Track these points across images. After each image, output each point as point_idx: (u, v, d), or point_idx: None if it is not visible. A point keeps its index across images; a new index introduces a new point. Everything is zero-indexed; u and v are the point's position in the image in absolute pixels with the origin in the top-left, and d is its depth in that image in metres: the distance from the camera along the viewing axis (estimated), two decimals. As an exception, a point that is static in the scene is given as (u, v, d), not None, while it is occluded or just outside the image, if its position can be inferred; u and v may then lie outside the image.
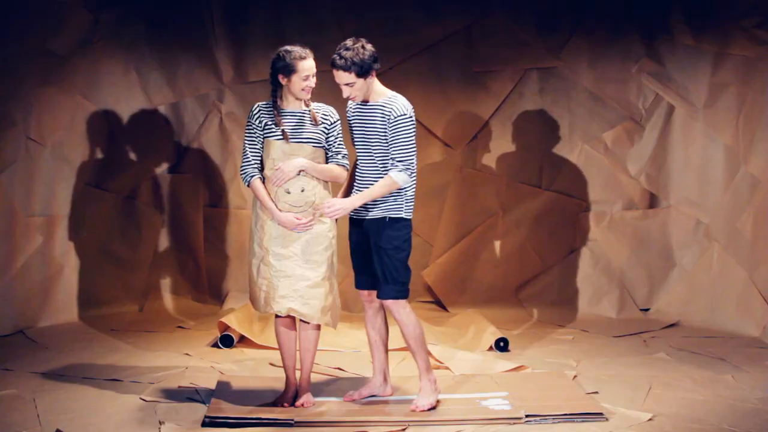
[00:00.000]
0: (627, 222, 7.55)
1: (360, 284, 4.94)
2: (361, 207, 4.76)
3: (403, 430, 4.57)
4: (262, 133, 4.77)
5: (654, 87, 7.44)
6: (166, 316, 7.21)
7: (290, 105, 4.81)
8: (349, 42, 4.69)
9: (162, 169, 7.57)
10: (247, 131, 4.80)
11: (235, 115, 7.57)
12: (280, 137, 4.73)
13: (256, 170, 4.80)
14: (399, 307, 4.76)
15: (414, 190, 4.83)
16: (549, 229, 7.59)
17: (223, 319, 6.28)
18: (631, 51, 7.45)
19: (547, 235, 7.59)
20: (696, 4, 7.21)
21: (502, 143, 7.63)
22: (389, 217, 4.74)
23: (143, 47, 7.42)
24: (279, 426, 4.59)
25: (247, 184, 4.82)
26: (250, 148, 4.79)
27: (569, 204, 7.58)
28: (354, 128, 4.84)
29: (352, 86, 4.66)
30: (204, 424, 4.58)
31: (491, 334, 6.25)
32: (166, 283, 7.55)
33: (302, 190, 4.72)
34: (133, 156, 7.45)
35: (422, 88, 7.54)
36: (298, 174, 4.72)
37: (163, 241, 7.57)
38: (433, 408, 4.77)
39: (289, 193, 4.71)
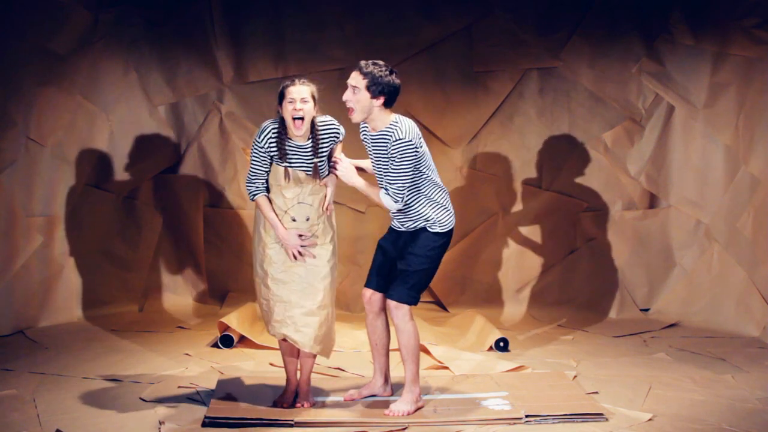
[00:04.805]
0: (627, 222, 7.55)
1: (369, 283, 4.92)
2: (401, 220, 4.80)
3: (403, 429, 4.57)
4: (269, 156, 4.74)
5: (654, 87, 7.44)
6: (166, 316, 7.21)
7: (296, 138, 4.74)
8: (381, 62, 4.69)
9: (162, 169, 7.57)
10: (255, 151, 4.75)
11: (235, 115, 7.57)
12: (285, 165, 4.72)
13: (263, 189, 4.78)
14: (401, 312, 4.74)
15: (450, 207, 4.86)
16: (549, 229, 7.59)
17: (223, 319, 6.28)
18: (631, 51, 7.45)
19: (547, 235, 7.59)
20: (696, 4, 7.21)
21: (502, 143, 7.64)
22: (428, 228, 4.78)
23: (143, 47, 7.43)
24: (279, 426, 4.59)
25: (251, 199, 4.81)
26: (257, 167, 4.75)
27: (569, 204, 7.58)
28: (370, 155, 4.84)
29: (355, 92, 4.61)
30: (204, 425, 4.58)
31: (491, 334, 6.25)
32: (166, 283, 7.55)
33: (307, 219, 4.73)
34: (133, 156, 7.44)
35: (422, 88, 7.55)
36: (303, 203, 4.72)
37: (163, 241, 7.56)
38: (409, 415, 4.73)
39: (294, 221, 4.72)
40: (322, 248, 4.77)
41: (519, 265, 7.58)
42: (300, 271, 4.74)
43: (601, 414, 4.71)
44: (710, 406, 4.93)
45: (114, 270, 7.36)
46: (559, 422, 4.65)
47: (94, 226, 7.27)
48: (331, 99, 7.53)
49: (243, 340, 6.26)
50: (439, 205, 4.80)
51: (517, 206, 7.61)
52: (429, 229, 4.79)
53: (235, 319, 6.32)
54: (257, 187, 4.77)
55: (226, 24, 7.48)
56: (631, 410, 4.81)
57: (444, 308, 7.53)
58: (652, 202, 7.60)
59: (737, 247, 6.97)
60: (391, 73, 4.64)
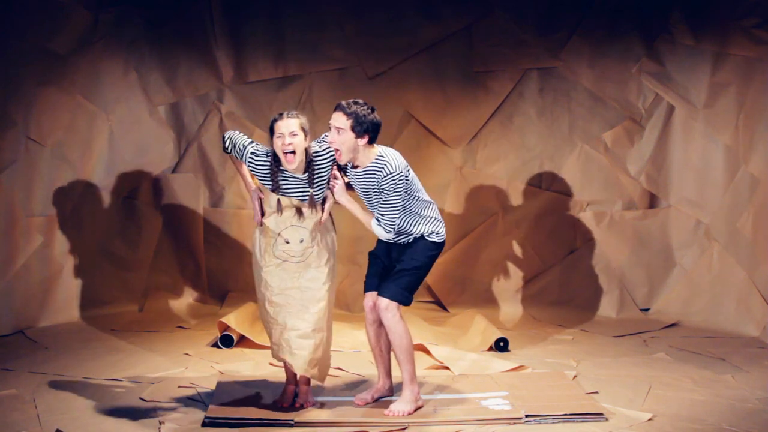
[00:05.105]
0: (627, 222, 7.55)
1: (371, 287, 4.90)
2: (397, 238, 4.82)
3: (403, 429, 4.57)
4: (249, 165, 4.73)
5: (654, 87, 7.44)
6: (166, 316, 7.21)
7: (291, 170, 4.72)
8: (361, 101, 4.68)
9: (162, 169, 7.57)
10: (242, 151, 4.73)
11: (235, 115, 7.57)
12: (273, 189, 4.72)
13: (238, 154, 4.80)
14: (390, 312, 4.73)
15: (441, 218, 4.89)
16: (549, 229, 7.59)
17: (223, 319, 6.28)
18: (631, 51, 7.45)
19: (547, 235, 7.59)
20: (696, 4, 7.21)
21: (502, 143, 7.64)
22: (424, 235, 4.81)
23: (143, 47, 7.43)
24: (279, 426, 4.59)
25: (225, 149, 4.79)
26: (238, 145, 4.75)
27: (569, 204, 7.59)
28: (357, 190, 4.85)
29: (339, 133, 4.61)
30: (204, 425, 4.58)
31: (491, 334, 6.25)
32: (166, 283, 7.54)
33: (301, 241, 4.72)
34: (133, 156, 7.44)
35: (422, 88, 7.55)
36: (297, 226, 4.71)
37: (163, 241, 7.56)
38: (409, 415, 4.74)
39: (288, 243, 4.71)
40: (317, 271, 4.75)
41: (519, 265, 7.58)
42: (295, 294, 4.73)
43: (601, 414, 4.71)
44: (710, 406, 4.93)
45: (114, 270, 7.36)
46: (559, 422, 4.65)
47: (94, 226, 7.27)
48: (330, 99, 7.57)
49: (243, 340, 6.26)
50: (433, 219, 4.86)
51: (517, 206, 7.61)
52: (426, 238, 4.83)
53: (235, 319, 6.32)
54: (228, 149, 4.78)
55: (226, 24, 7.48)
56: (631, 410, 4.81)
57: (444, 308, 7.53)
58: (652, 202, 7.60)
59: (737, 247, 6.97)
60: (372, 111, 4.65)
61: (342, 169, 4.83)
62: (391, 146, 7.40)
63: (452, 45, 7.54)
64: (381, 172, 4.63)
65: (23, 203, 6.75)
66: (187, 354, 6.02)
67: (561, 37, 7.52)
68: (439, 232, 4.86)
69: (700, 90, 7.26)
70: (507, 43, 7.51)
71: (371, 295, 4.87)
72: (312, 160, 4.70)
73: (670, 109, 7.44)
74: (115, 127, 7.37)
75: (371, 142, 4.67)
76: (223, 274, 7.61)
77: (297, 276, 4.74)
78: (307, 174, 4.69)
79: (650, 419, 4.68)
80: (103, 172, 7.34)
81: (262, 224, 4.76)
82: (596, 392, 5.14)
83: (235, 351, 6.12)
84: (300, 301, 4.72)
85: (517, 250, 7.60)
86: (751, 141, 6.90)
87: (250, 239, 7.51)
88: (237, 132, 4.84)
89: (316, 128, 7.34)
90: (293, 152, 4.62)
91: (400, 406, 4.74)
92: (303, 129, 4.66)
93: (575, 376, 5.47)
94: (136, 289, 7.41)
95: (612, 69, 7.50)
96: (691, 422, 4.64)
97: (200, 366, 5.72)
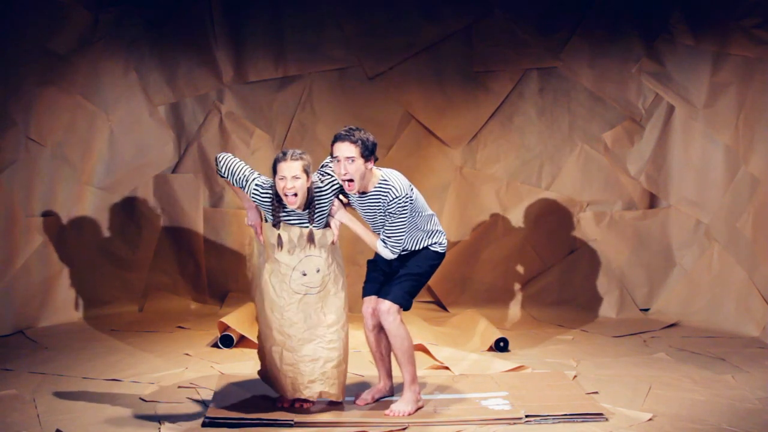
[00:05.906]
0: (627, 222, 7.55)
1: (371, 291, 4.91)
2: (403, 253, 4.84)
3: (403, 429, 4.57)
4: (253, 197, 4.69)
5: (654, 87, 7.45)
6: (166, 316, 7.21)
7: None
8: (354, 126, 4.67)
9: (162, 169, 7.57)
10: (246, 176, 4.67)
11: (235, 115, 7.58)
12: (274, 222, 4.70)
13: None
14: (391, 316, 4.73)
15: (444, 233, 4.91)
16: (549, 229, 7.59)
17: (223, 319, 6.28)
18: (631, 51, 7.46)
19: (547, 235, 7.59)
20: (696, 4, 7.21)
21: (502, 143, 7.64)
22: (427, 246, 4.83)
23: (143, 47, 7.43)
24: (279, 426, 4.59)
25: (220, 174, 4.73)
26: (238, 174, 4.69)
27: (569, 204, 7.59)
28: (361, 214, 4.85)
29: (352, 162, 4.58)
30: (204, 425, 4.58)
31: (491, 334, 6.25)
32: (166, 283, 7.54)
33: (317, 271, 4.71)
34: (133, 156, 7.44)
35: (422, 88, 7.55)
36: (311, 255, 4.70)
37: (163, 241, 7.56)
38: (409, 415, 4.75)
39: (305, 275, 4.69)
40: (336, 297, 4.75)
41: (519, 265, 7.59)
42: (321, 329, 4.72)
43: (601, 414, 4.70)
44: (710, 406, 4.93)
45: (114, 270, 7.36)
46: (559, 422, 4.65)
47: (94, 226, 7.28)
48: (330, 99, 7.58)
49: (243, 340, 6.26)
50: (436, 231, 4.88)
51: (517, 206, 7.61)
52: (430, 248, 4.86)
53: (235, 319, 6.32)
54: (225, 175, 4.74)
55: (226, 24, 7.48)
56: (631, 410, 4.81)
57: (444, 308, 7.53)
58: (652, 202, 7.61)
59: (737, 247, 6.98)
60: (367, 132, 4.65)
61: (344, 195, 4.81)
62: (391, 146, 7.52)
63: (452, 45, 7.54)
64: (387, 196, 4.64)
65: (23, 203, 6.75)
66: (187, 354, 6.02)
67: (561, 37, 7.53)
68: (442, 242, 4.89)
69: (700, 90, 7.26)
70: (507, 43, 7.51)
71: (370, 301, 4.87)
72: (313, 198, 4.68)
73: (670, 109, 7.44)
74: (115, 127, 7.37)
75: (374, 163, 4.68)
76: (223, 274, 7.61)
77: (319, 307, 4.72)
78: (308, 211, 4.68)
79: (650, 419, 4.68)
80: (103, 172, 7.34)
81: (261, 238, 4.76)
82: (596, 392, 5.14)
83: (235, 351, 6.12)
84: (328, 332, 4.73)
85: (517, 250, 7.60)
86: (751, 141, 6.90)
87: (250, 239, 7.53)
88: (232, 157, 4.76)
89: (315, 129, 7.43)
90: (295, 194, 4.59)
91: (401, 406, 4.75)
92: (305, 171, 4.58)
93: (575, 376, 5.47)
94: (136, 289, 7.41)
95: (612, 69, 7.50)
96: (691, 422, 4.64)
97: (200, 366, 5.72)
